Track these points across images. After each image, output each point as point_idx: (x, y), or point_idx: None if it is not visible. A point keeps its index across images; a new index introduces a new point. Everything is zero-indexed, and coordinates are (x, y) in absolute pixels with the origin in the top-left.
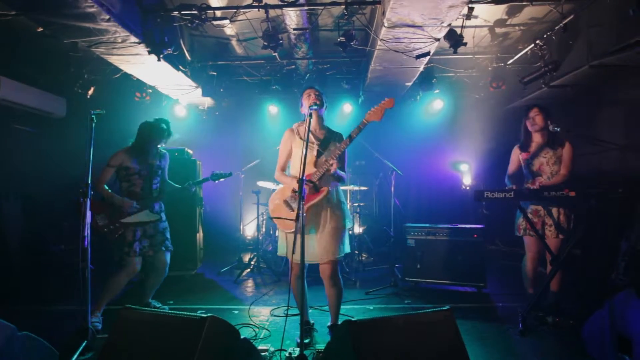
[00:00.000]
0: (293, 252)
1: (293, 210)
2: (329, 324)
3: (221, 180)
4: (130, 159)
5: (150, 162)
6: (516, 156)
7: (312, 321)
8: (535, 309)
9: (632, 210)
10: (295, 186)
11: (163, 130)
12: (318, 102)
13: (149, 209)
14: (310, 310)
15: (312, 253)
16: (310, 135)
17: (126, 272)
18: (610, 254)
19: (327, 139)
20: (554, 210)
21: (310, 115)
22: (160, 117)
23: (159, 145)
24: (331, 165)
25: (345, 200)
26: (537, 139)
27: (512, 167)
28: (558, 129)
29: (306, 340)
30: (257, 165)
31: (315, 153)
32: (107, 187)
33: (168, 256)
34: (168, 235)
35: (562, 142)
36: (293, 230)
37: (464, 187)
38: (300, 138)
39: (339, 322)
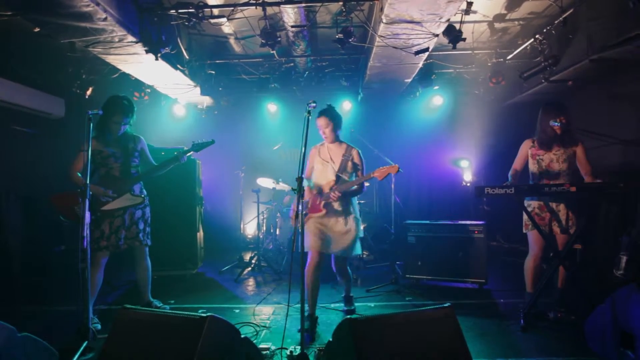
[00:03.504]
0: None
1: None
2: (343, 294)
3: (203, 149)
4: (99, 143)
5: (124, 143)
6: (525, 151)
7: (316, 316)
8: (536, 304)
9: (634, 205)
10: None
11: (115, 104)
12: (327, 136)
13: (130, 192)
14: None
15: (327, 246)
16: (329, 155)
17: (94, 266)
18: (612, 249)
19: (344, 160)
20: (562, 207)
21: (309, 112)
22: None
23: (122, 123)
24: (335, 198)
25: (356, 210)
26: (555, 139)
27: (520, 161)
28: (558, 123)
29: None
30: (256, 164)
31: (333, 177)
32: (80, 175)
33: (145, 250)
34: (142, 227)
35: (575, 142)
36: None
37: (464, 183)
38: (321, 158)
39: (341, 319)
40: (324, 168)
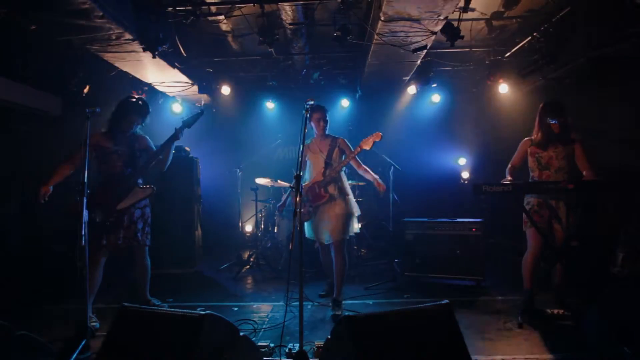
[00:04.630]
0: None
1: (305, 205)
2: (333, 296)
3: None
4: (106, 138)
5: (129, 142)
6: (524, 149)
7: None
8: (534, 301)
9: (630, 202)
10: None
11: (134, 104)
12: (321, 128)
13: (137, 185)
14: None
15: (323, 236)
16: (318, 148)
17: (93, 265)
18: (609, 246)
19: (331, 149)
20: (561, 204)
21: (307, 110)
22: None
23: (135, 124)
24: (334, 174)
25: (350, 192)
26: (553, 137)
27: (518, 157)
28: (556, 121)
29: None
30: (255, 162)
31: (323, 165)
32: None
33: (145, 250)
34: (140, 226)
35: (573, 139)
36: (306, 219)
37: (462, 180)
38: (312, 152)
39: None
40: (315, 159)
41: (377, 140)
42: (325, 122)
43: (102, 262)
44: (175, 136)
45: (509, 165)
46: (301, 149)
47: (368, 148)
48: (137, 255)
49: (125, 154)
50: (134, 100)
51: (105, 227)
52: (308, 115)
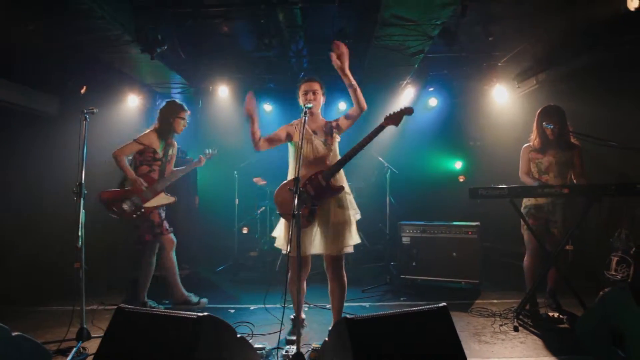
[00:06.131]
0: (290, 244)
1: (304, 205)
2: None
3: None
4: (160, 142)
5: (170, 146)
6: (526, 156)
7: (303, 316)
8: (529, 304)
9: (625, 207)
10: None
11: (182, 105)
12: (314, 102)
13: (164, 191)
14: (306, 308)
15: (316, 245)
16: (312, 132)
17: (168, 248)
18: (603, 250)
19: (328, 131)
20: (557, 208)
21: (306, 113)
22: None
23: (180, 123)
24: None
25: (348, 189)
26: (551, 142)
27: (525, 166)
28: (551, 126)
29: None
30: (252, 163)
31: (324, 149)
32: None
33: (155, 249)
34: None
35: (572, 145)
36: (305, 225)
37: (458, 184)
38: (299, 133)
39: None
40: (308, 143)
41: (409, 114)
42: (322, 95)
43: (155, 249)
44: (199, 162)
45: (521, 173)
46: (301, 152)
47: (397, 125)
48: (154, 251)
49: (164, 161)
50: (174, 100)
51: (133, 220)
52: (306, 118)
